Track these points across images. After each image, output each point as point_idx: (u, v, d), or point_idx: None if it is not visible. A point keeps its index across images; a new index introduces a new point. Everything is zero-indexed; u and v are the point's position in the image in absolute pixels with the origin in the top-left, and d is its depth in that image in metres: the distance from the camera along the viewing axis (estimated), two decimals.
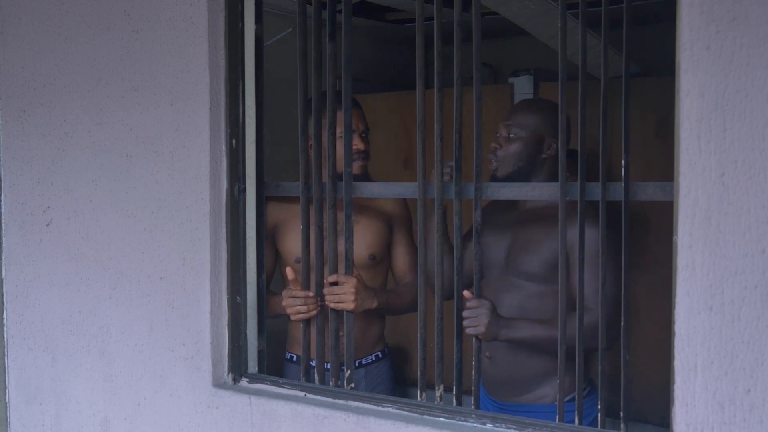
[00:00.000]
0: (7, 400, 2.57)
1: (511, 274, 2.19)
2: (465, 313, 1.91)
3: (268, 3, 3.46)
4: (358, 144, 2.21)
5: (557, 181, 1.76)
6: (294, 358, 2.39)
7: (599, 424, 1.68)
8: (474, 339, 1.91)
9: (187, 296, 2.11)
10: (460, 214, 1.82)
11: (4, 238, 2.54)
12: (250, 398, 2.00)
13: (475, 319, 1.92)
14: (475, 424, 1.74)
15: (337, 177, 2.00)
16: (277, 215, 2.31)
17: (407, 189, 1.91)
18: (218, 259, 2.07)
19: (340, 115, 2.00)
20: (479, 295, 1.90)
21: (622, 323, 1.66)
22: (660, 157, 2.38)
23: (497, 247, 2.24)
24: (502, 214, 2.30)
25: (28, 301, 2.49)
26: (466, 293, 1.89)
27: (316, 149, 2.02)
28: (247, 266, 2.10)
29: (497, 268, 2.22)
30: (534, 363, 2.18)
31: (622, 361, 1.65)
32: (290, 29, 3.63)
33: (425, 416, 1.80)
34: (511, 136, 2.17)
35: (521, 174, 2.16)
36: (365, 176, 2.27)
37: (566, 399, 2.02)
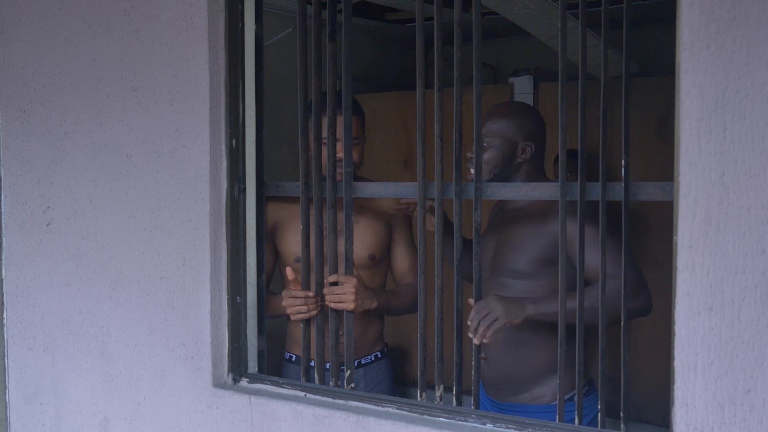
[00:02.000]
0: (7, 400, 2.57)
1: (499, 274, 2.20)
2: (476, 323, 1.90)
3: (268, 3, 3.46)
4: (340, 152, 2.07)
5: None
6: (294, 358, 2.39)
7: (599, 424, 1.68)
8: (473, 339, 1.91)
9: (187, 296, 2.11)
10: (459, 214, 1.82)
11: (4, 238, 2.54)
12: (250, 398, 2.00)
13: (489, 317, 1.91)
14: (475, 424, 1.74)
15: (336, 177, 1.99)
16: (277, 215, 2.31)
17: (407, 189, 1.91)
18: (218, 259, 2.07)
19: (339, 119, 2.00)
20: (479, 295, 1.89)
21: (622, 323, 1.66)
22: (660, 157, 2.38)
23: (485, 249, 2.24)
24: (488, 216, 2.31)
25: (28, 301, 2.49)
26: (470, 301, 1.89)
27: (316, 149, 2.02)
28: (247, 266, 2.10)
29: (486, 270, 2.22)
30: (529, 363, 2.18)
31: (622, 361, 1.65)
32: (290, 29, 3.63)
33: (425, 416, 1.80)
34: (483, 144, 2.17)
35: (497, 180, 2.16)
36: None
37: (566, 398, 2.02)
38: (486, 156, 2.16)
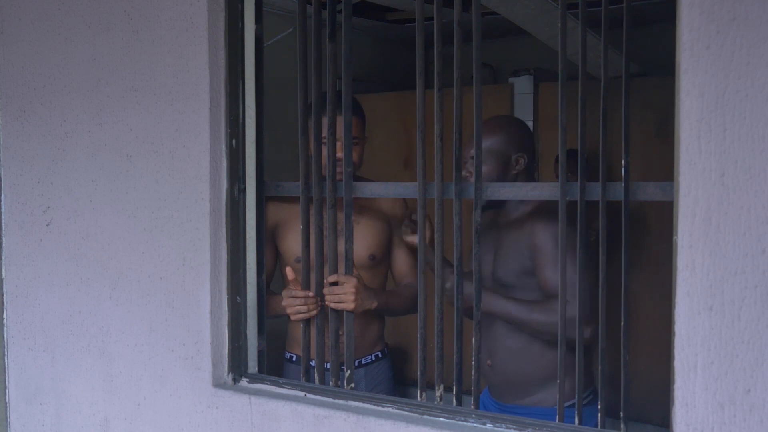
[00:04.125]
0: (7, 400, 2.57)
1: (498, 286, 2.20)
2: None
3: (268, 3, 3.46)
4: (340, 151, 2.06)
5: None
6: (294, 358, 2.39)
7: (599, 424, 1.68)
8: (474, 339, 1.90)
9: (187, 296, 2.11)
10: (459, 214, 1.82)
11: (4, 238, 2.54)
12: (250, 398, 2.00)
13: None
14: (475, 424, 1.74)
15: (336, 177, 1.99)
16: (277, 215, 2.31)
17: (407, 189, 1.91)
18: (218, 259, 2.07)
19: (339, 119, 2.00)
20: (479, 295, 1.89)
21: (622, 323, 1.66)
22: (660, 157, 2.38)
23: (485, 262, 2.23)
24: (487, 226, 2.30)
25: (28, 301, 2.49)
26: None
27: (316, 149, 2.02)
28: (247, 266, 2.10)
29: (487, 281, 2.22)
30: (534, 370, 2.18)
31: (622, 361, 1.65)
32: (290, 29, 3.64)
33: (425, 416, 1.80)
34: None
35: (497, 198, 2.15)
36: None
37: (568, 404, 2.01)
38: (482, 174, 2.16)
